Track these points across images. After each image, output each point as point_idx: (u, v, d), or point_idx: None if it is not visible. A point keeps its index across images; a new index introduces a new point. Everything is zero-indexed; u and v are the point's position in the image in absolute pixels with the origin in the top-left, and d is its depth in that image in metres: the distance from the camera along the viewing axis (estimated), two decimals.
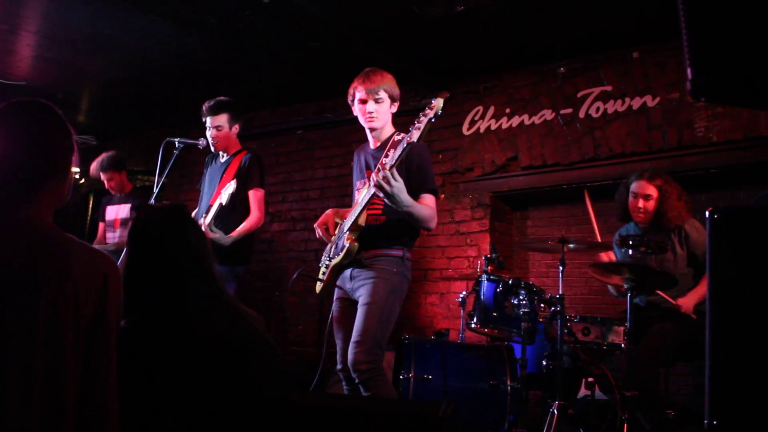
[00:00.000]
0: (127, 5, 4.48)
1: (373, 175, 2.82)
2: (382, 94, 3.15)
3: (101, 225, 5.38)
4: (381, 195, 2.80)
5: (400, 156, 2.77)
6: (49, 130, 1.64)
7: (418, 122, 2.69)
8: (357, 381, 2.91)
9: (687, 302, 3.61)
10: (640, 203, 3.77)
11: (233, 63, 5.45)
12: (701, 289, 3.64)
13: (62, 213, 1.71)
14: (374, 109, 3.16)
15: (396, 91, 3.23)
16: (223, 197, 3.76)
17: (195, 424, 1.60)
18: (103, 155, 5.27)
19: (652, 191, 3.76)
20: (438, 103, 2.66)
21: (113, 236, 5.19)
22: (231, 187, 3.73)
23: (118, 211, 5.23)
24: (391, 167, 2.76)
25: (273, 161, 6.39)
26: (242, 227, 3.90)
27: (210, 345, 1.69)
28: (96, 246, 4.82)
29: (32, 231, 1.53)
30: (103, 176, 5.27)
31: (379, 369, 2.94)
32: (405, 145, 2.73)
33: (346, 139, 5.99)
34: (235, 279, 4.02)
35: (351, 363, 2.89)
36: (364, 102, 3.17)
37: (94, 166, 5.29)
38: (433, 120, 2.68)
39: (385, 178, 2.73)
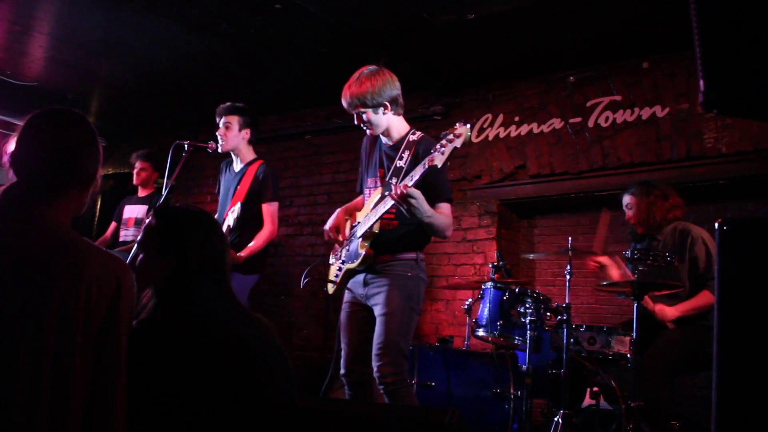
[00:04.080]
0: (139, 9, 4.51)
1: (393, 191, 2.75)
2: (359, 108, 3.03)
3: (113, 224, 5.45)
4: (403, 210, 2.77)
5: (420, 177, 2.72)
6: (79, 140, 1.67)
7: (442, 146, 2.61)
8: (383, 392, 2.86)
9: (667, 311, 3.63)
10: (628, 215, 4.01)
11: (243, 67, 5.47)
12: (689, 303, 3.65)
13: (75, 217, 1.72)
14: (359, 122, 3.09)
15: (379, 97, 3.01)
16: (230, 220, 3.85)
17: (202, 426, 1.61)
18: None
19: (630, 199, 3.98)
20: (464, 131, 2.57)
21: (125, 234, 5.26)
22: (236, 211, 3.82)
23: (134, 210, 5.30)
24: (411, 185, 2.72)
25: (281, 165, 6.41)
26: (255, 243, 3.91)
27: (219, 348, 1.69)
28: (117, 249, 4.91)
29: (49, 232, 1.55)
30: (137, 165, 5.40)
31: (404, 380, 2.89)
32: (427, 167, 2.67)
33: (354, 145, 5.97)
34: (248, 288, 4.03)
35: (377, 376, 2.85)
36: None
37: (134, 154, 5.48)
38: (458, 147, 2.60)
39: (407, 196, 2.69)
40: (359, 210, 3.25)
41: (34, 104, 1.73)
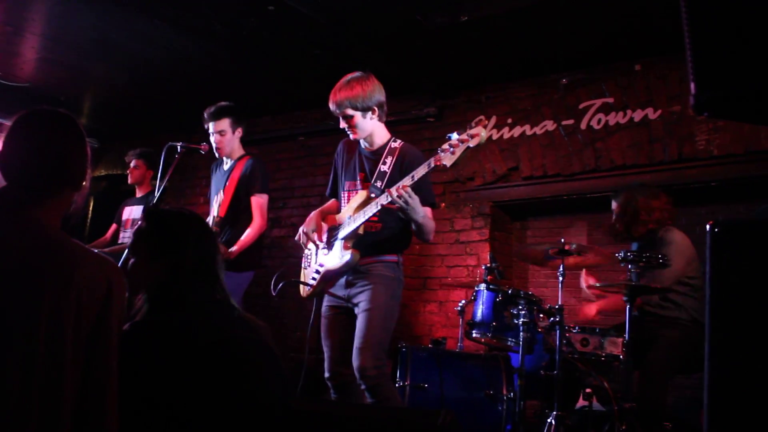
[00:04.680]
0: (132, 10, 4.49)
1: (393, 190, 2.79)
2: (349, 111, 3.09)
3: (113, 226, 5.43)
4: (399, 212, 2.82)
5: (422, 177, 2.77)
6: (67, 140, 1.66)
7: (452, 146, 2.64)
8: (364, 387, 2.88)
9: (587, 310, 3.88)
10: (613, 219, 4.09)
11: (236, 69, 5.47)
12: (604, 301, 3.91)
13: (65, 217, 1.71)
14: (345, 124, 3.14)
15: (368, 102, 3.09)
16: (214, 210, 3.94)
17: (195, 430, 1.60)
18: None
19: (613, 204, 4.06)
20: (481, 131, 2.61)
21: (124, 236, 5.25)
22: (219, 200, 3.96)
23: (131, 212, 5.29)
24: (410, 185, 2.77)
25: (274, 167, 6.39)
26: (244, 237, 3.90)
27: (212, 351, 1.68)
28: (103, 250, 4.90)
29: (39, 235, 1.53)
30: (131, 163, 5.40)
31: (386, 374, 2.95)
32: (432, 166, 2.72)
33: None
34: (244, 285, 4.02)
35: (358, 369, 2.87)
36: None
37: (130, 152, 5.49)
38: (471, 147, 2.64)
39: (407, 195, 2.74)
40: (334, 213, 3.27)
41: (27, 105, 1.71)
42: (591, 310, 3.95)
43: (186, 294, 1.78)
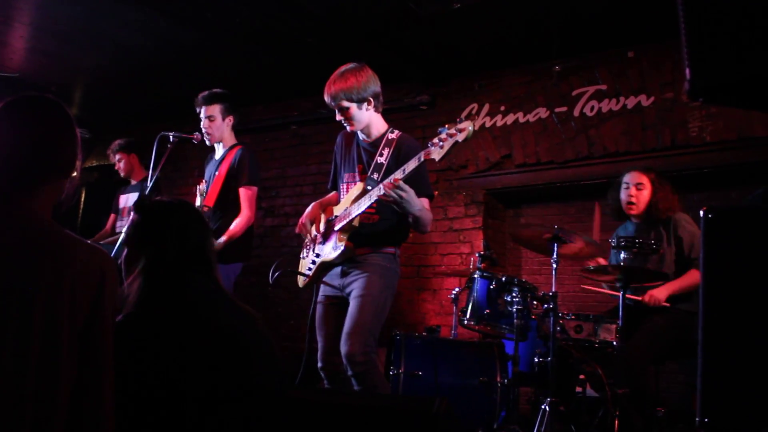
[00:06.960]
0: None
1: (383, 186, 2.79)
2: (344, 103, 3.07)
3: (111, 216, 5.40)
4: (394, 205, 2.81)
5: (413, 170, 2.76)
6: (56, 126, 1.62)
7: (441, 141, 2.64)
8: (351, 374, 2.87)
9: (657, 293, 3.61)
10: (632, 191, 3.83)
11: (228, 58, 5.43)
12: (676, 283, 3.65)
13: (55, 206, 1.68)
14: (341, 117, 3.12)
15: (363, 93, 3.06)
16: (198, 199, 3.95)
17: (190, 419, 1.60)
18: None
19: (645, 181, 3.82)
20: (468, 126, 2.61)
21: (121, 225, 5.21)
22: (202, 188, 4.01)
23: (128, 200, 5.26)
24: (401, 178, 2.76)
25: (267, 156, 6.38)
26: (232, 228, 3.88)
27: (206, 340, 1.68)
28: (106, 240, 4.87)
29: (31, 226, 1.51)
30: (114, 159, 5.37)
31: (373, 362, 2.93)
32: (422, 160, 2.71)
33: None
34: (232, 277, 4.00)
35: (346, 355, 2.86)
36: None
37: (108, 152, 5.45)
38: (459, 142, 2.63)
39: (399, 189, 2.73)
40: (334, 205, 3.27)
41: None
42: (661, 294, 3.60)
43: (178, 284, 1.78)
